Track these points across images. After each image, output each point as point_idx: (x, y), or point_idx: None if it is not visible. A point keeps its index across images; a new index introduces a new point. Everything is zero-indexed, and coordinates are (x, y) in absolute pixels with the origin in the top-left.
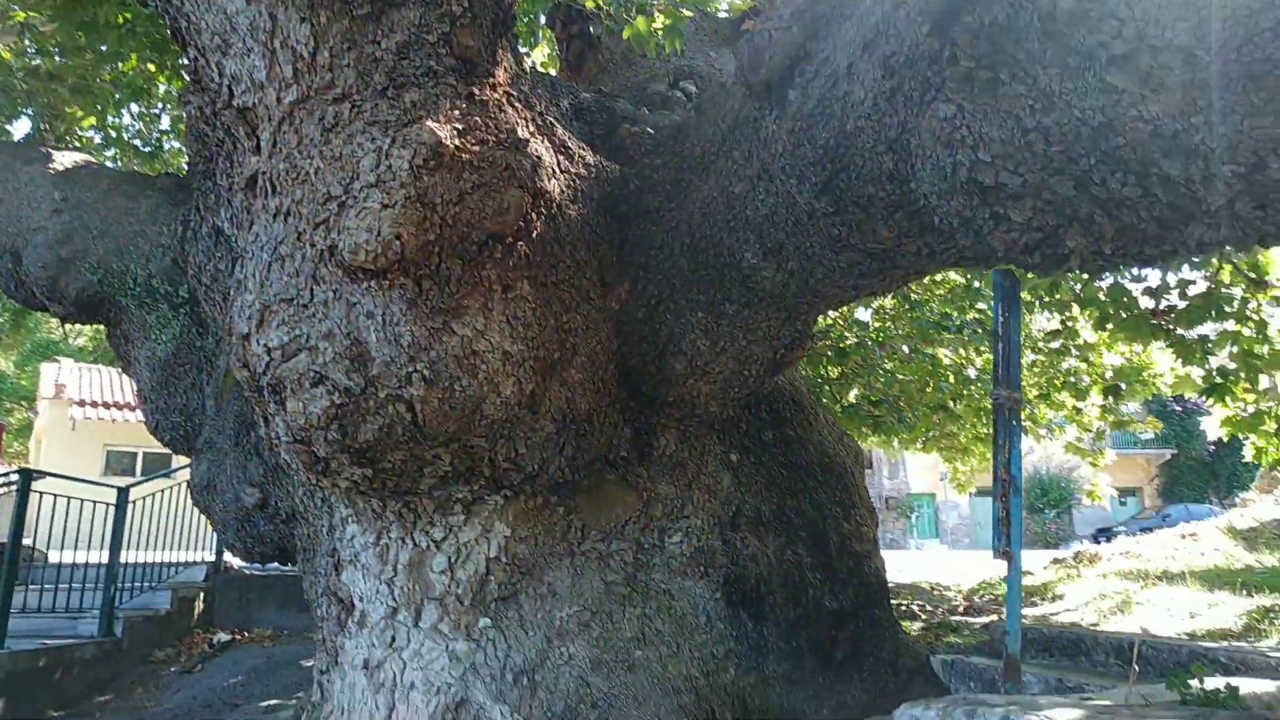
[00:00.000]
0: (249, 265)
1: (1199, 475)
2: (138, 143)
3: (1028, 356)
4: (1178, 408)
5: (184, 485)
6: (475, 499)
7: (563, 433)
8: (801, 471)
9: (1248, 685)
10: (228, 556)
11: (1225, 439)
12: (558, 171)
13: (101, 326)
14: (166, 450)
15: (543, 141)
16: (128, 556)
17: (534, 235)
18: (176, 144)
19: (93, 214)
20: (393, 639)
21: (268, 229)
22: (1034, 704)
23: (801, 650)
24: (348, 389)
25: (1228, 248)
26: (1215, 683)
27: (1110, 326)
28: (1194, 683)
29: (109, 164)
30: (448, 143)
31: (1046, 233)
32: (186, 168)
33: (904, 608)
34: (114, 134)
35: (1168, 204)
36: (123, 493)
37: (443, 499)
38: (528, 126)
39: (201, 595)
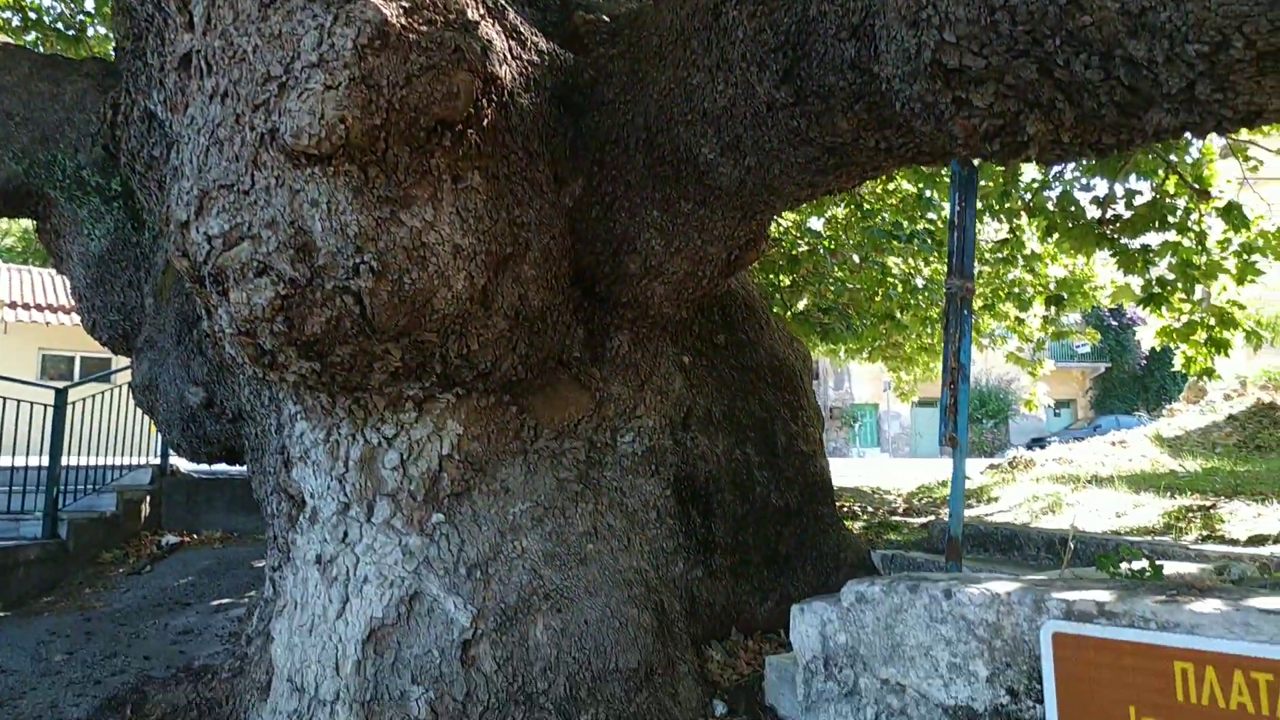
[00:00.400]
0: (185, 150)
1: (1130, 389)
2: (60, 26)
3: (975, 267)
4: (1114, 322)
5: (125, 388)
6: (427, 397)
7: (516, 330)
8: (751, 374)
9: (1171, 567)
10: (174, 460)
11: (1157, 349)
12: (509, 58)
13: (31, 223)
14: (106, 354)
15: (494, 25)
16: (70, 460)
17: (485, 124)
18: (102, 29)
19: (14, 99)
20: (345, 534)
21: (204, 111)
22: (974, 578)
23: (748, 545)
24: (293, 280)
25: (1187, 136)
26: (1141, 565)
27: (1057, 235)
28: (1123, 564)
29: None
30: (393, 21)
31: (1007, 119)
32: (115, 51)
33: (846, 509)
34: (33, 16)
35: (1129, 87)
36: (60, 394)
37: (394, 396)
38: (478, 8)
39: (148, 498)
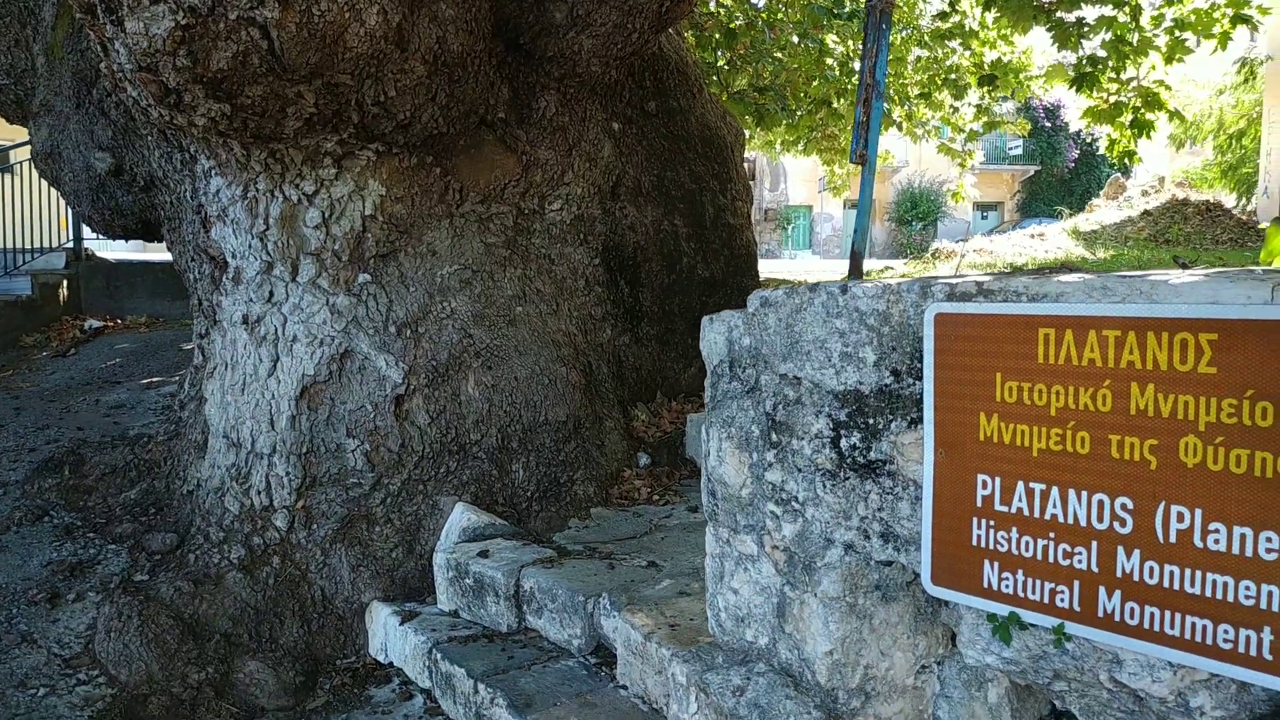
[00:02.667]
0: None
1: (1057, 192)
2: None
3: (914, 52)
4: (1047, 123)
5: (28, 166)
6: (346, 153)
7: (435, 77)
8: (682, 143)
9: None
10: (89, 244)
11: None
12: None
13: None
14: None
15: None
16: None
17: None
18: None
19: None
20: (271, 294)
21: None
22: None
23: (674, 314)
24: (192, 8)
25: None
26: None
27: (996, 9)
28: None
29: None
30: None
31: None
32: None
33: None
34: None
35: None
36: None
37: (311, 150)
38: None
39: (65, 282)
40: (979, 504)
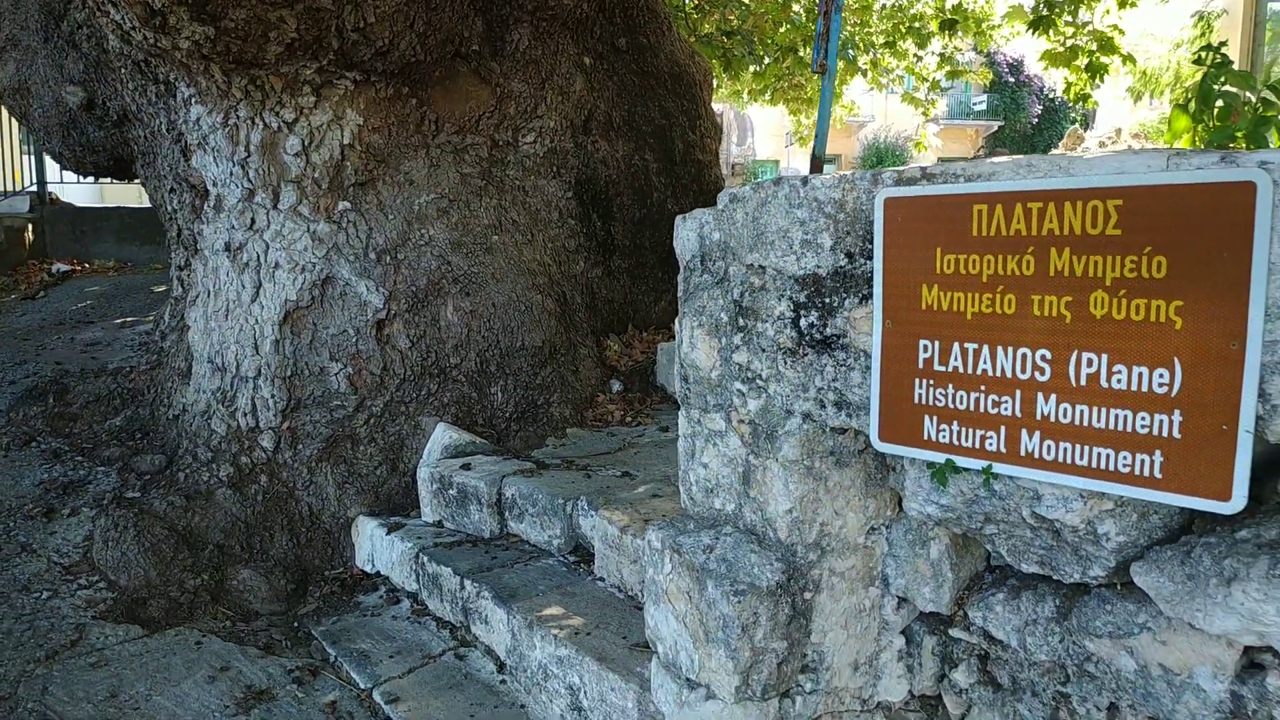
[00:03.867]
0: None
1: (1020, 147)
2: None
3: (879, 2)
4: (1010, 78)
5: None
6: (325, 82)
7: (413, 4)
8: (652, 79)
9: None
10: (53, 188)
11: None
12: None
13: None
14: None
15: None
16: None
17: None
18: None
19: None
20: (252, 221)
21: None
22: None
23: (645, 248)
24: None
25: None
26: None
27: None
28: None
29: None
30: None
31: None
32: None
33: None
34: None
35: None
36: None
37: (290, 77)
38: None
39: (30, 226)
40: (920, 366)
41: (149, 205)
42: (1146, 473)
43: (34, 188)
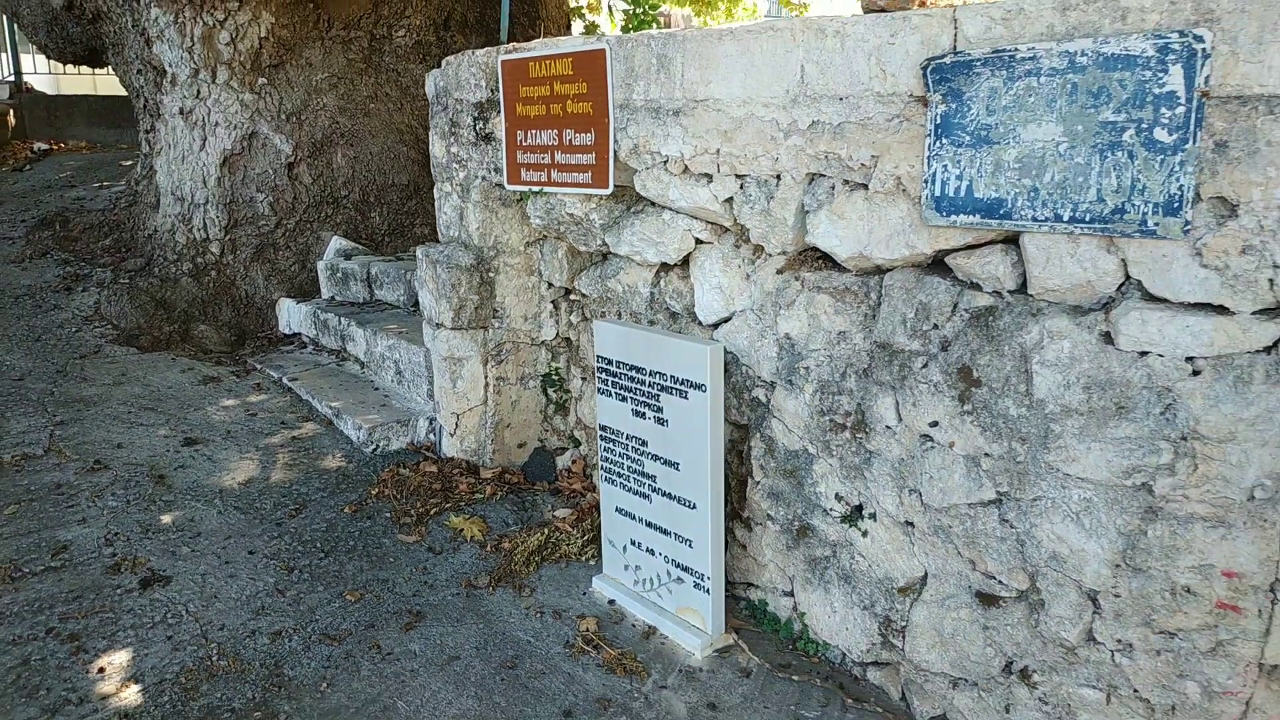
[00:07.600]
0: None
1: None
2: None
3: None
4: None
5: None
6: None
7: None
8: None
9: None
10: (27, 78)
11: None
12: None
13: None
14: None
15: None
16: None
17: None
18: None
19: None
20: (199, 92)
21: None
22: None
23: None
24: None
25: None
26: None
27: None
28: None
29: None
30: None
31: None
32: None
33: None
34: None
35: None
36: None
37: None
38: None
39: (11, 112)
40: (519, 144)
41: (112, 94)
42: (587, 180)
43: (12, 78)
